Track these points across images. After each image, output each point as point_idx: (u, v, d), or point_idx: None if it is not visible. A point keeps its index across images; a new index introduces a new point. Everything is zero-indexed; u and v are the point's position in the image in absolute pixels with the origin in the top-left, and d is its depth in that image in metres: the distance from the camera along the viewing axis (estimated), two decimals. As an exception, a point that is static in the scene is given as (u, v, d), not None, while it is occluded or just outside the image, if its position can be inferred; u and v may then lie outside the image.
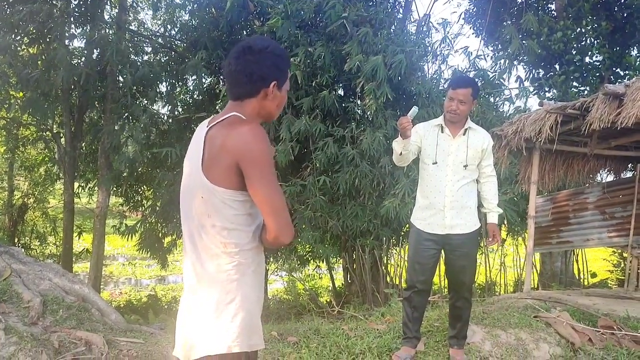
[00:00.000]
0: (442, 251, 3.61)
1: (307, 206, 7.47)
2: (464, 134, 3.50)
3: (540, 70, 10.34)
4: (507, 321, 4.29)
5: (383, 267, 8.00)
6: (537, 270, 9.67)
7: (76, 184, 11.59)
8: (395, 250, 8.37)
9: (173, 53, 10.35)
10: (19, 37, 9.32)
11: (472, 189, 3.54)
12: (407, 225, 6.48)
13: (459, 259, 3.52)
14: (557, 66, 9.93)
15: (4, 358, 3.12)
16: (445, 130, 3.51)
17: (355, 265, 8.58)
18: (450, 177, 3.45)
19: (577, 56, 9.43)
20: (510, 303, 4.98)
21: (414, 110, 3.22)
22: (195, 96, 10.63)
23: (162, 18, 11.36)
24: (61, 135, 11.22)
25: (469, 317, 3.78)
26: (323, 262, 9.92)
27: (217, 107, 9.15)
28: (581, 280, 9.66)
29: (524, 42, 8.70)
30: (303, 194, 7.57)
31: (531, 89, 9.98)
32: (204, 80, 9.46)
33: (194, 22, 9.57)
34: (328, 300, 10.12)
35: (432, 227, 3.51)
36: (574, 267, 9.90)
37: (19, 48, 9.49)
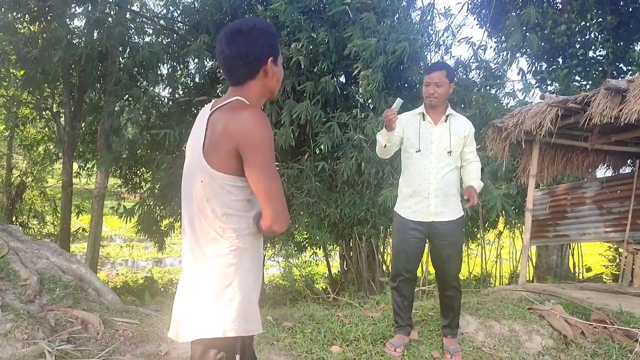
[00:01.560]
0: (428, 241, 3.63)
1: (304, 192, 7.48)
2: (445, 121, 3.53)
3: (543, 63, 10.31)
4: (501, 312, 4.32)
5: (379, 256, 8.03)
6: (532, 263, 9.72)
7: (75, 165, 11.58)
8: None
9: (175, 35, 10.27)
10: (20, 15, 9.25)
11: (455, 176, 3.58)
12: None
13: (444, 247, 3.54)
14: (560, 60, 9.89)
15: (1, 335, 3.13)
16: (426, 117, 3.55)
17: (351, 253, 8.60)
18: (435, 164, 3.48)
19: (580, 50, 9.39)
20: (504, 295, 5.01)
21: (398, 102, 3.27)
22: (196, 79, 10.57)
23: (164, -1, 11.25)
24: (61, 114, 11.19)
25: (460, 306, 3.81)
26: (320, 249, 9.95)
27: (217, 91, 9.11)
28: (576, 274, 9.71)
29: (527, 34, 8.64)
30: (300, 179, 7.58)
31: (533, 82, 9.95)
32: (205, 63, 9.40)
33: (196, 4, 9.49)
34: (324, 287, 10.17)
35: (417, 215, 3.54)
36: (570, 261, 9.95)
37: (19, 26, 9.42)
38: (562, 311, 4.34)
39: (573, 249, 9.77)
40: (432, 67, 3.57)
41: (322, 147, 7.30)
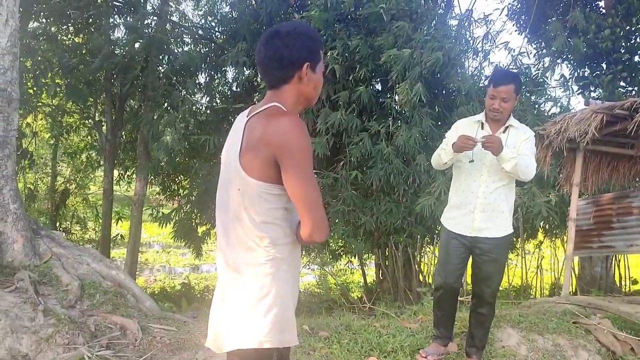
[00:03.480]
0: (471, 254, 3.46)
1: (339, 200, 7.44)
2: (504, 132, 3.33)
3: (586, 69, 10.02)
4: (545, 326, 4.17)
5: (416, 265, 7.91)
6: (575, 275, 9.41)
7: (116, 172, 11.85)
8: (429, 248, 8.25)
9: (212, 45, 10.43)
10: (65, 27, 9.57)
11: (508, 192, 3.36)
12: (442, 224, 6.39)
13: (486, 264, 3.36)
14: (604, 65, 9.59)
15: (42, 339, 3.19)
16: (485, 127, 3.37)
17: (387, 262, 8.51)
18: (486, 177, 3.29)
19: (625, 55, 9.08)
20: (548, 307, 4.85)
21: (479, 145, 3.14)
22: (233, 88, 10.70)
23: (202, 9, 11.46)
24: (103, 123, 11.48)
25: (490, 326, 3.65)
26: (355, 257, 9.88)
27: (254, 99, 9.20)
28: (622, 287, 9.36)
29: (569, 39, 8.43)
30: (335, 188, 7.55)
31: (575, 88, 9.69)
32: (242, 71, 9.51)
33: (233, 14, 9.62)
34: (359, 295, 10.08)
35: (459, 227, 3.39)
36: (615, 272, 9.59)
37: (64, 37, 9.73)
38: (610, 326, 4.16)
39: (619, 260, 9.42)
40: (500, 80, 3.24)
41: (353, 158, 7.28)
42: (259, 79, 9.00)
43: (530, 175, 3.22)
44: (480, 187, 3.30)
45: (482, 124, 3.39)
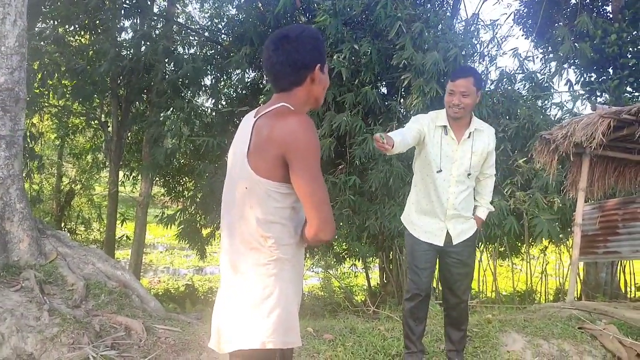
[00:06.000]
0: (438, 257, 3.38)
1: (339, 203, 7.42)
2: (468, 137, 3.21)
3: (593, 74, 10.00)
4: (550, 331, 4.16)
5: (420, 269, 7.87)
6: (580, 280, 9.38)
7: (121, 173, 11.88)
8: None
9: (219, 47, 10.46)
10: (72, 28, 9.60)
11: (471, 196, 3.35)
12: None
13: (455, 266, 3.32)
14: (610, 70, 9.57)
15: (47, 338, 3.20)
16: (449, 132, 3.20)
17: (391, 265, 8.49)
18: (454, 188, 3.20)
19: (632, 60, 9.06)
20: (553, 312, 4.83)
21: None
22: (238, 90, 10.71)
23: (209, 12, 11.51)
24: (108, 124, 11.51)
25: (467, 326, 3.61)
26: (359, 260, 9.87)
27: (259, 102, 9.20)
28: (627, 293, 9.31)
29: (576, 44, 8.42)
30: (340, 190, 7.53)
31: (582, 92, 9.67)
32: (248, 74, 9.52)
33: (240, 16, 9.64)
34: (363, 299, 10.07)
35: (429, 236, 3.28)
36: (620, 278, 9.55)
37: (70, 38, 9.77)
38: (616, 331, 4.14)
39: (624, 266, 9.38)
40: (457, 74, 3.16)
41: (356, 160, 7.26)
42: (264, 82, 9.01)
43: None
44: (449, 199, 3.21)
45: (446, 129, 3.22)
